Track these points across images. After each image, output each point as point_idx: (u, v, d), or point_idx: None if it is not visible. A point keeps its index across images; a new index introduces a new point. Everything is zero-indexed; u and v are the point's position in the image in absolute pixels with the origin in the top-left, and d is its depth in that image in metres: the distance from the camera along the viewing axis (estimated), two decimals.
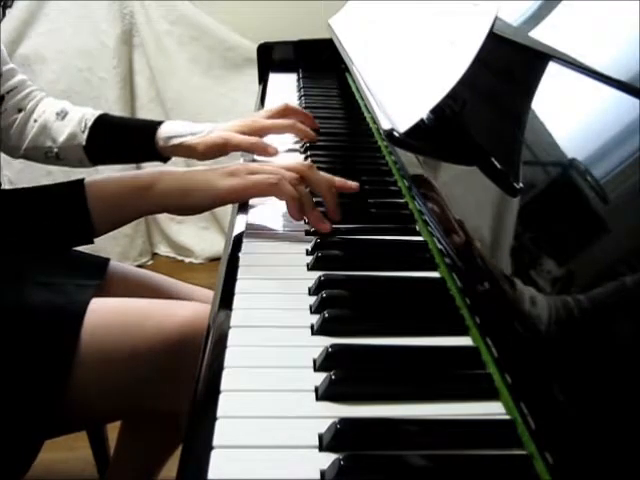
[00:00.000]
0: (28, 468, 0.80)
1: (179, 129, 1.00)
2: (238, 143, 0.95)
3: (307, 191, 0.74)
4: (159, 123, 1.02)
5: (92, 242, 0.78)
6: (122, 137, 1.05)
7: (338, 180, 0.77)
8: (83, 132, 1.04)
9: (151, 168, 0.76)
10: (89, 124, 1.05)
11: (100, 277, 0.98)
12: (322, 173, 0.76)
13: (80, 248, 0.88)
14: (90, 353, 0.80)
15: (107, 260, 1.03)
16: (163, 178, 0.72)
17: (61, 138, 1.05)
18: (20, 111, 1.07)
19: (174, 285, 1.05)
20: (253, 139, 0.95)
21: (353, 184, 0.77)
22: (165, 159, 1.06)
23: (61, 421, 0.80)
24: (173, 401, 0.81)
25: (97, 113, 1.07)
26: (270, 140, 1.00)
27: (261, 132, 0.99)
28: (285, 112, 1.04)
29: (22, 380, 0.78)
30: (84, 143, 1.04)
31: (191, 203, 0.73)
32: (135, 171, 0.76)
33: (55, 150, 1.06)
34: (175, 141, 0.99)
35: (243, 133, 0.98)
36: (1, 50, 1.03)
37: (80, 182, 0.74)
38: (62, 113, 1.07)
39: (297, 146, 1.06)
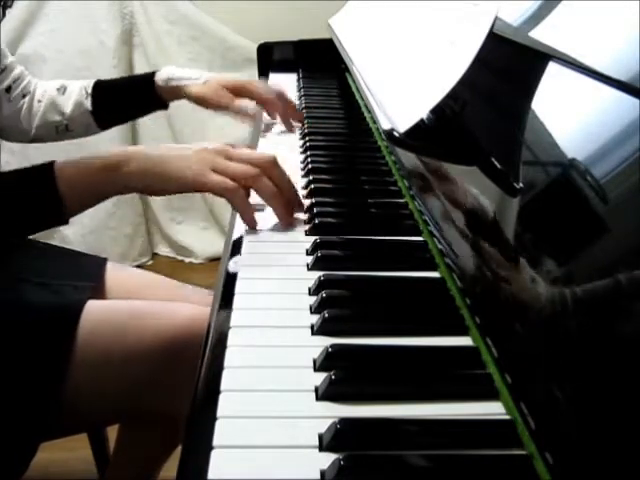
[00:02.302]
0: (25, 469, 0.80)
1: (176, 73, 1.12)
2: (232, 107, 1.10)
3: (267, 187, 0.74)
4: (154, 72, 1.13)
5: (66, 222, 0.78)
6: (124, 91, 1.16)
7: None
8: (87, 99, 1.14)
9: (121, 149, 0.76)
10: (89, 90, 1.14)
11: (97, 278, 0.98)
12: (284, 173, 0.76)
13: (78, 248, 0.88)
14: (87, 355, 0.80)
15: (104, 260, 1.03)
16: (132, 159, 0.73)
17: (68, 110, 1.14)
18: (24, 96, 1.15)
19: (172, 286, 1.05)
20: (244, 106, 1.10)
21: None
22: (165, 106, 1.16)
23: (59, 423, 0.80)
24: (171, 402, 0.81)
25: (92, 80, 1.16)
26: (270, 141, 1.04)
27: (251, 96, 1.12)
28: (279, 94, 1.15)
29: (18, 380, 0.78)
30: (90, 108, 1.14)
31: (157, 187, 0.75)
32: (105, 151, 0.76)
33: (65, 122, 1.15)
34: (173, 83, 1.11)
35: (236, 89, 1.12)
36: (1, 45, 1.09)
37: (50, 164, 0.75)
38: (62, 88, 1.15)
39: (297, 147, 1.07)
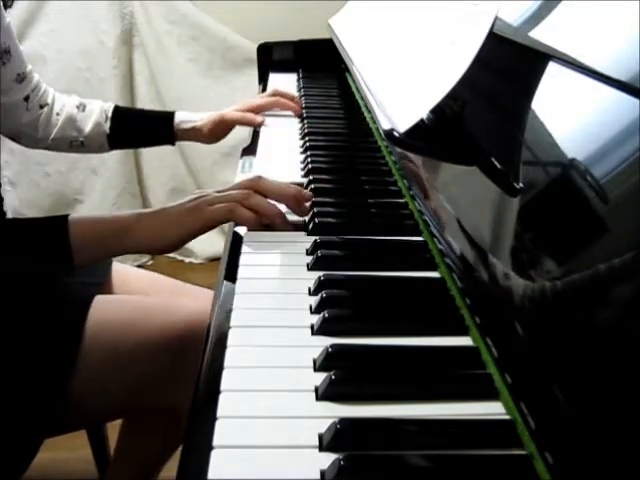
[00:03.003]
0: (27, 466, 0.80)
1: (189, 116, 1.23)
2: (232, 117, 1.21)
3: (261, 200, 0.75)
4: (172, 112, 1.23)
5: (72, 272, 0.83)
6: (143, 124, 1.25)
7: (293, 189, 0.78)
8: (106, 122, 1.20)
9: (129, 211, 0.79)
10: (109, 114, 1.21)
11: (104, 275, 0.99)
12: (271, 181, 0.77)
13: None
14: (94, 349, 0.81)
15: (110, 261, 1.04)
16: (140, 223, 0.76)
17: (87, 129, 1.20)
18: (42, 107, 1.18)
19: (175, 285, 1.06)
20: (243, 113, 1.22)
21: (307, 195, 0.79)
22: (173, 142, 1.25)
23: (63, 419, 0.80)
24: (174, 399, 0.82)
25: (112, 104, 1.23)
26: (270, 141, 1.03)
27: (252, 109, 1.23)
28: (274, 93, 1.27)
29: (25, 376, 0.78)
30: (108, 132, 1.20)
31: (162, 245, 0.77)
32: (115, 213, 0.80)
33: (81, 139, 1.21)
34: (186, 125, 1.22)
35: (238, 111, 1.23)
36: (21, 52, 1.11)
37: (64, 218, 0.77)
38: (81, 106, 1.21)
39: (297, 146, 1.07)
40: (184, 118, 1.22)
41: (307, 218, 0.77)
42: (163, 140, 1.25)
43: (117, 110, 1.22)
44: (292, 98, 1.27)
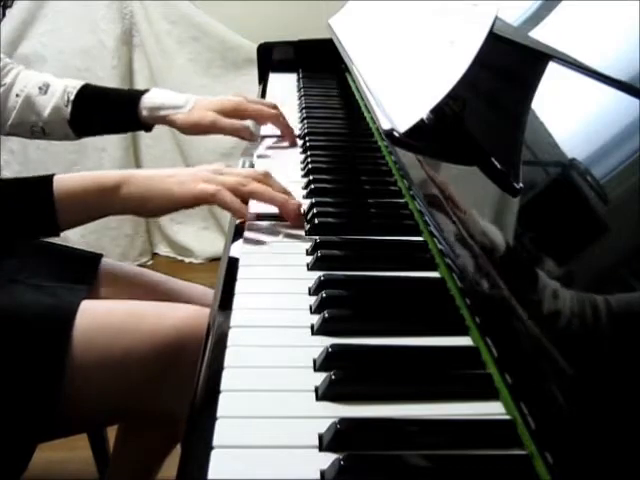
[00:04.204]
0: (22, 471, 0.80)
1: (163, 100, 1.04)
2: (223, 127, 1.03)
3: (261, 187, 0.74)
4: (142, 93, 1.05)
5: (58, 235, 0.80)
6: (105, 109, 1.07)
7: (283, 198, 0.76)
8: (67, 106, 1.05)
9: (118, 171, 0.78)
10: (72, 97, 1.05)
11: (91, 276, 0.97)
12: (278, 184, 0.77)
13: (73, 243, 0.88)
14: (86, 355, 0.80)
15: (99, 257, 1.02)
16: (128, 183, 0.75)
17: (45, 112, 1.05)
18: None
19: (169, 282, 1.03)
20: (237, 124, 1.03)
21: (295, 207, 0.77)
22: (148, 128, 1.08)
23: (57, 424, 0.80)
24: (171, 402, 0.81)
25: (79, 84, 1.07)
26: (270, 141, 1.04)
27: (243, 115, 1.05)
28: (275, 108, 1.09)
29: (14, 382, 0.77)
30: (68, 117, 1.05)
31: (150, 208, 0.76)
32: (103, 172, 0.78)
33: (40, 124, 1.06)
34: (159, 113, 1.03)
35: (227, 113, 1.04)
36: None
37: (49, 177, 0.76)
38: (44, 87, 1.06)
39: (297, 146, 1.07)
40: (158, 101, 1.03)
41: (307, 218, 0.77)
42: (134, 126, 1.08)
43: (82, 92, 1.05)
44: (289, 128, 1.10)
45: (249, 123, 1.08)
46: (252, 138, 1.04)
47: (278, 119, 1.08)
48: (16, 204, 0.76)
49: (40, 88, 1.06)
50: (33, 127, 1.07)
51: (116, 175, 0.76)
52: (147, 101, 1.04)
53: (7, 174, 2.34)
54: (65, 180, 0.76)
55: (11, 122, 1.06)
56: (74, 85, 1.06)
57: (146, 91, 1.05)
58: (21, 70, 1.09)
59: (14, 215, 0.77)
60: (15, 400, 0.77)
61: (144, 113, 1.04)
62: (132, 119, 1.05)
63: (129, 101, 1.05)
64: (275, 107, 1.10)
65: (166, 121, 1.04)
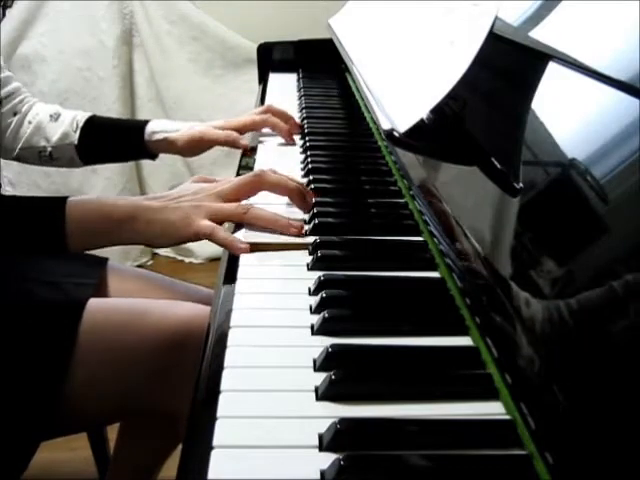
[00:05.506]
0: (24, 469, 0.80)
1: (164, 126, 1.10)
2: (214, 137, 1.08)
3: (261, 214, 0.74)
4: (147, 122, 1.11)
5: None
6: (112, 136, 1.13)
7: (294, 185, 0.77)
8: (75, 132, 1.11)
9: (129, 199, 0.78)
10: (80, 124, 1.11)
11: (98, 276, 0.98)
12: (274, 175, 0.77)
13: None
14: (89, 352, 0.80)
15: (105, 260, 1.04)
16: (136, 218, 0.75)
17: (54, 138, 1.11)
18: (15, 114, 1.12)
19: (172, 284, 1.05)
20: (227, 133, 1.08)
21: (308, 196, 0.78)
22: (153, 156, 1.14)
23: (58, 422, 0.80)
24: (172, 401, 0.81)
25: (87, 114, 1.14)
26: (270, 141, 1.04)
27: (238, 128, 1.10)
28: (266, 111, 1.12)
29: (20, 377, 0.78)
30: (76, 142, 1.11)
31: (155, 245, 0.78)
32: (115, 201, 0.77)
33: (49, 149, 1.12)
34: (158, 136, 1.09)
35: (222, 129, 1.09)
36: (0, 58, 1.08)
37: (63, 200, 0.76)
38: (55, 115, 1.13)
39: (297, 146, 1.07)
40: (157, 128, 1.09)
41: (307, 217, 0.77)
42: (137, 154, 1.14)
43: (90, 120, 1.13)
44: (287, 119, 1.12)
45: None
46: (243, 145, 1.07)
47: (267, 121, 1.10)
48: (27, 224, 0.77)
49: (51, 116, 1.13)
50: (41, 152, 1.13)
51: (127, 207, 0.76)
52: (150, 127, 1.09)
53: (7, 174, 2.34)
54: (78, 206, 0.76)
55: (20, 146, 1.12)
56: (83, 114, 1.13)
57: (149, 121, 1.11)
58: (36, 101, 1.15)
59: (24, 234, 0.77)
60: (20, 396, 0.78)
61: (145, 138, 1.09)
62: (138, 145, 1.10)
63: (135, 129, 1.11)
64: (268, 109, 1.12)
65: (165, 144, 1.09)
